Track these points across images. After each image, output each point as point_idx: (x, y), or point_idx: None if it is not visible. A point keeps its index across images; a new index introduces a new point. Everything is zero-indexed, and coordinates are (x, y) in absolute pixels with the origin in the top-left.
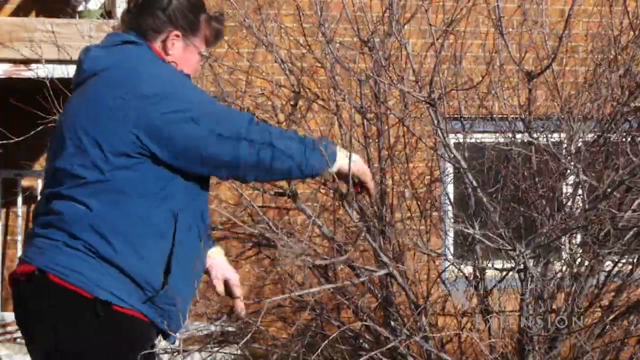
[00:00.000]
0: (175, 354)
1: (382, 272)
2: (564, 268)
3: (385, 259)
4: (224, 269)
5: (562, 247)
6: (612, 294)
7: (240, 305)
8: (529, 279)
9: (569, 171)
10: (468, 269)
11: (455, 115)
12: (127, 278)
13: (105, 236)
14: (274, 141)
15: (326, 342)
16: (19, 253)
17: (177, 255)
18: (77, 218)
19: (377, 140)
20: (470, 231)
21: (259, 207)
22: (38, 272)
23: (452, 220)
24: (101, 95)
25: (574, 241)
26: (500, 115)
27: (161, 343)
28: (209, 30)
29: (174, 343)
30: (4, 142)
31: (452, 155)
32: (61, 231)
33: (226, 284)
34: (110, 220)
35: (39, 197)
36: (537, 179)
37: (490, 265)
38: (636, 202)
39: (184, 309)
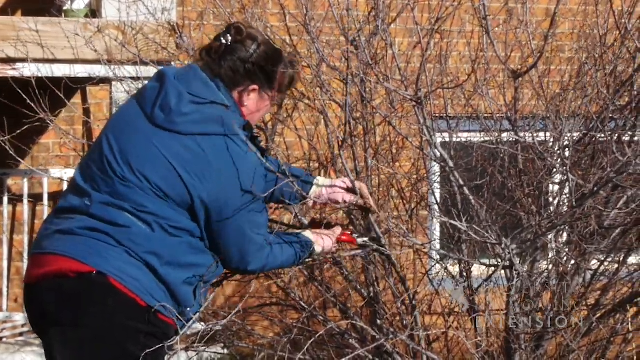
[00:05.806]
0: None
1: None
2: (551, 267)
3: (378, 233)
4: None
5: (549, 244)
6: (599, 292)
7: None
8: (515, 277)
9: (555, 169)
10: (455, 269)
11: (442, 114)
12: (172, 296)
13: (162, 260)
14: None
15: (312, 340)
16: (5, 252)
17: (205, 285)
18: (142, 238)
19: (363, 139)
20: (457, 224)
21: None
22: (97, 273)
23: (438, 216)
24: (203, 165)
25: (560, 240)
26: (487, 114)
27: None
28: (284, 79)
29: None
30: None
31: (439, 154)
32: (119, 241)
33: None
34: (168, 247)
35: (71, 189)
36: (523, 178)
37: (477, 260)
38: (622, 201)
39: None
